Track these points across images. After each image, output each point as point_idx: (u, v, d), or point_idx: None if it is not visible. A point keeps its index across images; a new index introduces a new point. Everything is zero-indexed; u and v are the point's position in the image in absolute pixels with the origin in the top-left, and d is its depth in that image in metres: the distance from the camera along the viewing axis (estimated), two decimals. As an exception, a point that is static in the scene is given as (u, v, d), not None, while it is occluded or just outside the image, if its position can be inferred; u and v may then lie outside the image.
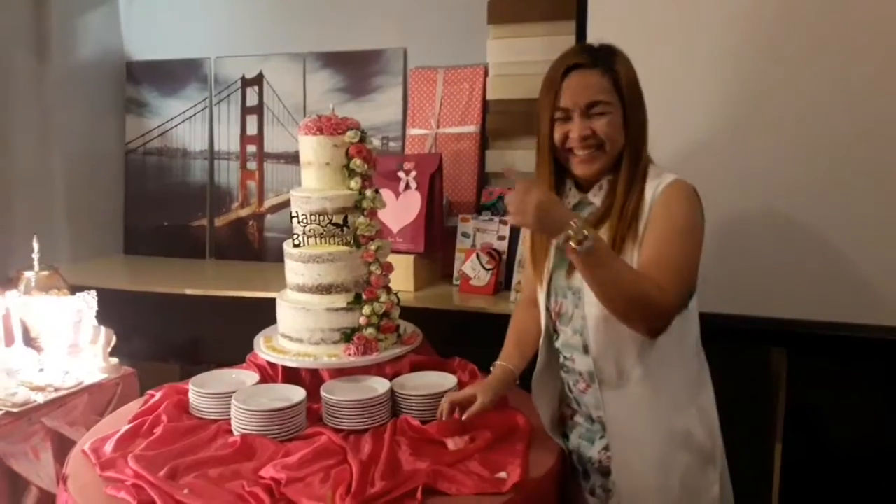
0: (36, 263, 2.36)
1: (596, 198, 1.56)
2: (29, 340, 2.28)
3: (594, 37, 2.12)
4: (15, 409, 1.94)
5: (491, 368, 1.75)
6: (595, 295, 1.44)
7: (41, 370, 2.14)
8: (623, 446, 1.56)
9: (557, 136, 1.53)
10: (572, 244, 1.35)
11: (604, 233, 1.49)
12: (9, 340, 2.24)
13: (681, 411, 1.55)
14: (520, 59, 2.63)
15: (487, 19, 2.68)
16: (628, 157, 1.52)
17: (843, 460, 2.24)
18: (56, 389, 2.07)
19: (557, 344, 1.65)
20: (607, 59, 1.52)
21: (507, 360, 1.74)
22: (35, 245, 2.36)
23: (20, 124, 2.96)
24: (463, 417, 1.60)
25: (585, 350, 1.57)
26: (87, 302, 2.27)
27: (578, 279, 1.52)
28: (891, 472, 2.20)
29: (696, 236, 1.50)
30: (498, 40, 2.68)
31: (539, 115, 1.56)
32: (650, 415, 1.54)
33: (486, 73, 2.76)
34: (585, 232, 1.34)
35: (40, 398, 2.01)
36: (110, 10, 3.32)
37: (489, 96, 2.75)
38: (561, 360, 1.65)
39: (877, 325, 1.97)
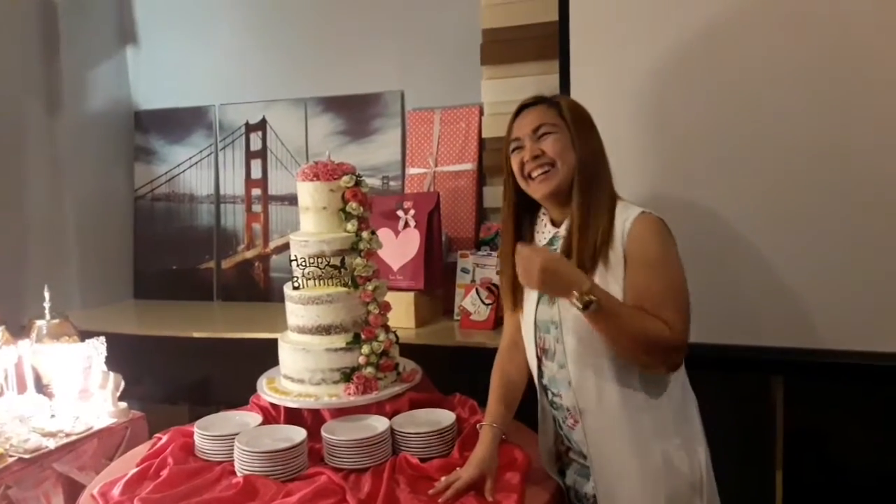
0: (47, 312, 2.43)
1: (565, 230, 1.63)
2: (41, 387, 2.34)
3: (576, 74, 2.21)
4: (27, 456, 1.99)
5: (478, 428, 1.75)
6: (611, 347, 1.52)
7: (52, 416, 2.20)
8: (608, 480, 1.59)
9: (515, 165, 1.65)
10: (578, 305, 1.44)
11: (572, 259, 1.56)
12: (21, 388, 2.30)
13: (663, 442, 1.57)
14: (512, 97, 2.63)
15: (480, 61, 2.76)
16: (579, 178, 1.58)
17: (844, 486, 2.23)
18: (67, 435, 2.11)
19: (545, 381, 1.69)
20: (552, 98, 1.67)
21: (492, 420, 1.73)
22: (46, 294, 2.44)
23: (32, 174, 3.06)
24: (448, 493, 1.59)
25: (570, 384, 1.61)
26: (97, 348, 2.32)
27: (557, 311, 1.59)
28: (892, 498, 2.19)
29: (676, 267, 1.55)
30: (491, 80, 2.76)
31: (503, 159, 1.69)
32: (631, 446, 1.56)
33: (481, 113, 2.83)
34: (591, 296, 1.43)
35: (52, 444, 2.06)
36: (119, 62, 3.44)
37: (485, 134, 2.82)
38: (550, 396, 1.69)
39: (872, 352, 1.98)
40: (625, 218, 1.56)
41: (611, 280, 1.53)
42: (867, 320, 1.98)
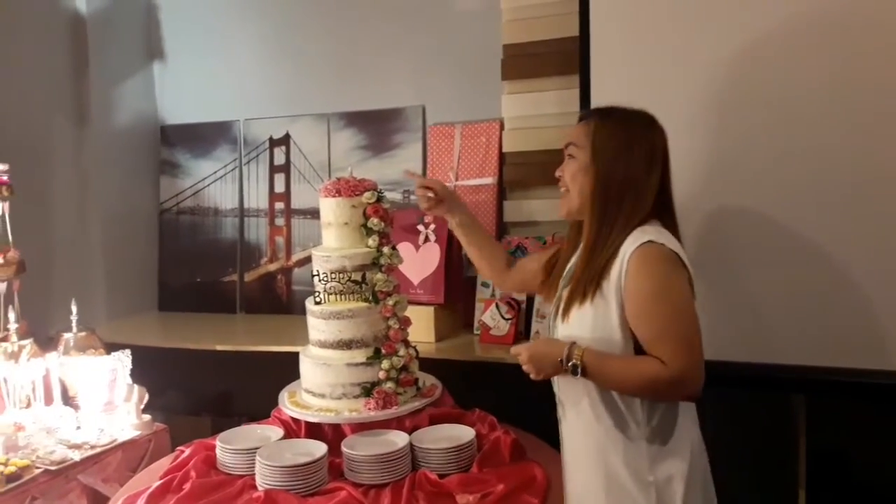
0: (74, 325, 2.48)
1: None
2: (67, 399, 2.38)
3: (596, 90, 2.21)
4: (53, 468, 2.02)
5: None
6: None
7: (78, 428, 2.23)
8: (574, 485, 1.63)
9: None
10: (569, 371, 1.51)
11: (571, 284, 1.59)
12: (48, 400, 2.34)
13: (633, 470, 1.52)
14: (533, 112, 2.72)
15: (501, 76, 2.77)
16: (590, 207, 1.57)
17: (868, 504, 2.21)
18: (92, 447, 2.14)
19: (552, 383, 1.70)
20: (596, 113, 1.64)
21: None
22: (73, 307, 2.48)
23: (60, 188, 3.12)
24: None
25: (557, 391, 1.66)
26: (122, 361, 2.36)
27: (557, 324, 1.63)
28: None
29: (676, 296, 1.50)
30: (512, 95, 2.77)
31: None
32: (599, 460, 1.56)
33: (501, 127, 2.84)
34: (573, 360, 1.50)
35: (77, 456, 2.09)
36: (145, 78, 3.50)
37: (505, 149, 2.82)
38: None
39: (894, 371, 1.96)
40: (628, 247, 1.51)
41: (606, 308, 1.52)
42: (892, 339, 1.95)
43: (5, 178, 2.41)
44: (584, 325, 1.55)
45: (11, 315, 2.38)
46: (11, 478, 1.92)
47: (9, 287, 2.42)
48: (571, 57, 2.35)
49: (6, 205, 2.42)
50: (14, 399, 2.28)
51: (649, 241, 1.50)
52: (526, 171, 2.76)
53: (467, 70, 2.91)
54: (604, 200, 1.56)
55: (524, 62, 2.71)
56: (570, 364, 1.50)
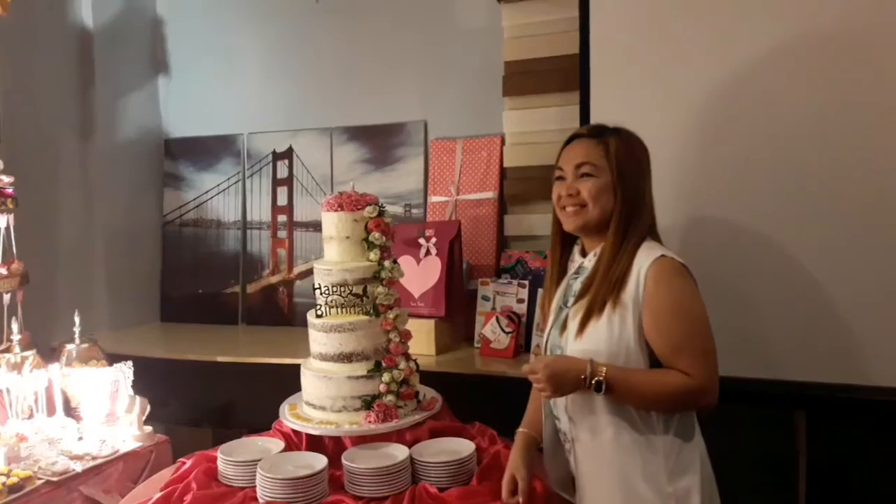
0: (77, 337, 2.49)
1: (590, 263, 1.66)
2: (69, 410, 2.39)
3: (596, 106, 2.24)
4: (55, 479, 2.02)
5: (515, 434, 1.80)
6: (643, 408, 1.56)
7: (80, 439, 2.24)
8: None
9: (554, 194, 1.68)
10: (592, 389, 1.51)
11: (589, 296, 1.59)
12: (51, 410, 2.35)
13: (653, 488, 1.54)
14: (534, 128, 2.74)
15: (503, 92, 2.79)
16: (615, 225, 1.60)
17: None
18: (94, 458, 2.15)
19: (550, 403, 1.71)
20: (602, 132, 1.65)
21: (528, 427, 1.80)
22: (76, 319, 2.50)
23: (64, 200, 3.14)
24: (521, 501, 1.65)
25: (566, 410, 1.64)
26: (124, 372, 2.37)
27: (564, 339, 1.62)
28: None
29: (695, 310, 1.55)
30: (513, 111, 2.79)
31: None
32: (618, 484, 1.56)
33: (502, 142, 2.86)
34: (597, 377, 1.50)
35: (79, 467, 2.09)
36: (150, 92, 3.53)
37: (506, 164, 2.85)
38: (554, 421, 1.71)
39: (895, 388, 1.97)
40: (642, 261, 1.56)
41: (621, 322, 1.55)
42: (892, 355, 1.97)
43: (10, 189, 2.43)
44: (599, 339, 1.56)
45: (14, 326, 2.39)
46: (13, 488, 1.93)
47: (12, 298, 2.44)
48: (572, 74, 2.38)
49: (10, 217, 2.44)
50: (16, 410, 2.29)
51: (662, 256, 1.55)
52: (526, 186, 2.78)
53: (469, 86, 2.94)
54: (627, 220, 1.59)
55: (525, 79, 2.75)
56: (594, 381, 1.50)
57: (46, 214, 3.06)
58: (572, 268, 1.73)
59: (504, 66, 2.79)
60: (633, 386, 1.52)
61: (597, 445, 1.60)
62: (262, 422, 2.15)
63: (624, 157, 1.61)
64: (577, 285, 1.67)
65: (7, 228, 2.43)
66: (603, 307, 1.56)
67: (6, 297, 2.42)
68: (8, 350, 2.39)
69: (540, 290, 2.24)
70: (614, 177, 1.60)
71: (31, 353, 2.40)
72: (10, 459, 2.07)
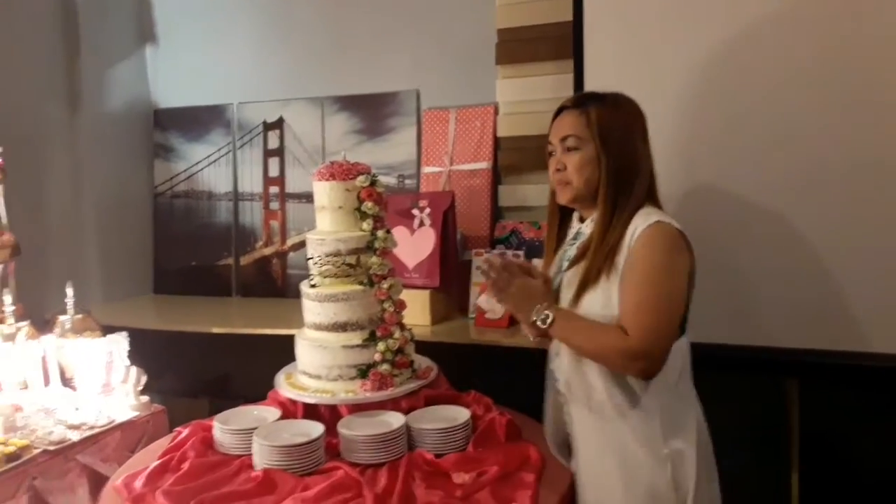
0: (70, 308, 2.49)
1: (587, 228, 1.67)
2: (65, 381, 2.40)
3: (590, 74, 2.23)
4: (52, 448, 2.04)
5: None
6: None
7: (76, 409, 2.25)
8: (588, 475, 1.66)
9: (550, 168, 1.70)
10: (538, 322, 1.57)
11: (584, 264, 1.61)
12: (46, 381, 2.35)
13: (647, 449, 1.56)
14: (527, 97, 2.73)
15: (496, 60, 2.77)
16: (603, 194, 1.60)
17: (861, 489, 2.23)
18: (90, 427, 2.16)
19: (551, 366, 1.74)
20: (585, 101, 1.65)
21: None
22: (69, 290, 2.49)
23: (54, 172, 3.12)
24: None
25: (563, 372, 1.68)
26: (119, 343, 2.37)
27: (563, 301, 1.65)
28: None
29: (666, 281, 1.54)
30: (506, 80, 2.78)
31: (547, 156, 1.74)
32: (613, 445, 1.60)
33: (496, 112, 2.85)
34: (546, 313, 1.57)
35: (76, 436, 2.11)
36: (138, 62, 3.49)
37: (500, 133, 2.84)
38: (553, 382, 1.75)
39: (886, 354, 1.99)
40: (637, 226, 1.56)
41: (612, 287, 1.56)
42: (884, 321, 1.98)
43: (-1, 161, 2.41)
44: (593, 305, 1.58)
45: (7, 297, 2.39)
46: (11, 458, 1.94)
47: (4, 269, 2.44)
48: (565, 41, 2.36)
49: (1, 188, 2.42)
50: (12, 380, 2.29)
51: (658, 221, 1.56)
52: (520, 156, 2.77)
53: (462, 54, 2.91)
54: (615, 187, 1.60)
55: (518, 47, 2.72)
56: (543, 314, 1.56)
57: (37, 186, 3.03)
58: (571, 233, 1.75)
59: (497, 34, 2.76)
60: (575, 330, 1.57)
61: (591, 408, 1.62)
62: (259, 392, 2.15)
63: (607, 124, 1.60)
64: (572, 251, 1.69)
65: (-4, 200, 2.42)
66: (598, 277, 1.58)
67: (-2, 269, 2.42)
68: (1, 321, 2.38)
69: (534, 261, 2.26)
70: (598, 145, 1.60)
71: (24, 325, 2.40)
72: (6, 429, 2.08)
